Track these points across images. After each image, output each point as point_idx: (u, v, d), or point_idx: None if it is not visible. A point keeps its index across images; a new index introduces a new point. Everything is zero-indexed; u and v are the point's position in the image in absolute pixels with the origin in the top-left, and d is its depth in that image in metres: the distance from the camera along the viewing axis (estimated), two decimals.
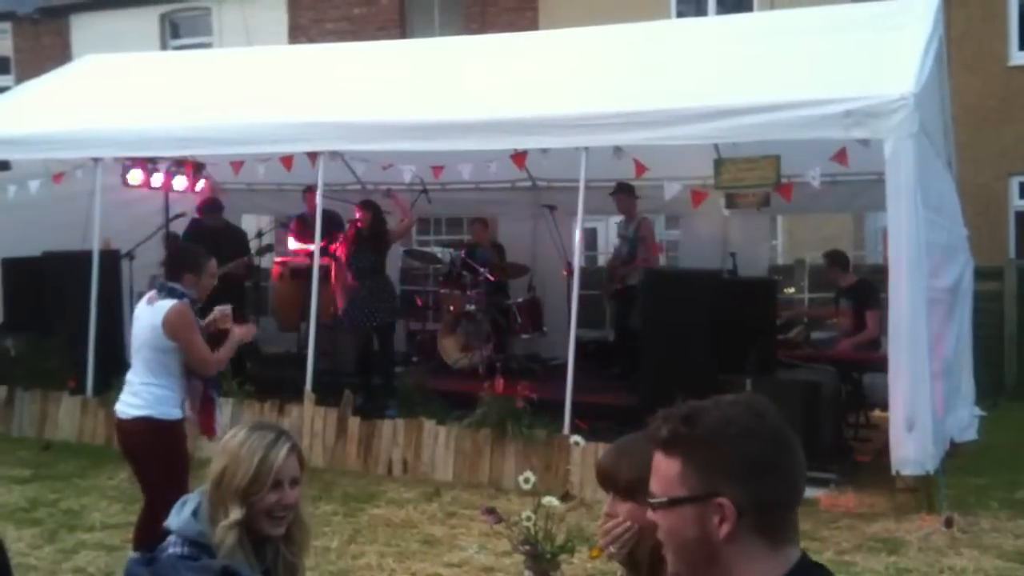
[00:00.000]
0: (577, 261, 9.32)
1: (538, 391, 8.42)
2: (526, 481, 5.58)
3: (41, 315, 10.46)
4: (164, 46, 18.70)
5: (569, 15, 14.64)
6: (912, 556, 6.36)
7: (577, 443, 7.43)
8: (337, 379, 9.72)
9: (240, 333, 5.94)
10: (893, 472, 7.30)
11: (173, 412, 5.59)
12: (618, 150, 8.44)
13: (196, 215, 11.35)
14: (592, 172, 8.58)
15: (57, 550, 6.63)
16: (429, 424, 8.62)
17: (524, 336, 11.56)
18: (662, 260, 15.24)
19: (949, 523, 6.79)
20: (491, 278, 11.27)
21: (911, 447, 7.25)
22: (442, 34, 16.14)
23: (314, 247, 9.60)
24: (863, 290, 10.04)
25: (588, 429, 8.02)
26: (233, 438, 2.89)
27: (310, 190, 10.97)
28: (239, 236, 11.56)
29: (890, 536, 6.73)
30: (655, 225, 14.75)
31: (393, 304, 10.48)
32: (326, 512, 7.41)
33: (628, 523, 2.41)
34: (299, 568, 2.95)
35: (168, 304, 5.50)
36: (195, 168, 11.87)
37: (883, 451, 7.56)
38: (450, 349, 11.34)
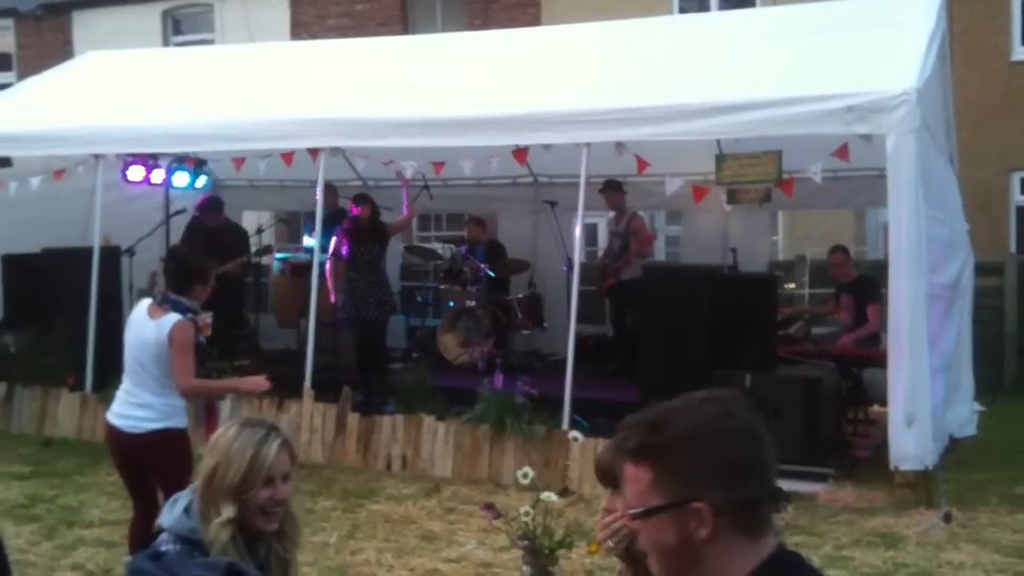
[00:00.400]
0: (577, 257, 9.32)
1: (537, 387, 8.42)
2: (525, 477, 5.58)
3: (41, 312, 10.47)
4: (166, 42, 18.68)
5: (571, 11, 14.63)
6: (911, 551, 6.36)
7: (576, 439, 7.46)
8: (336, 375, 9.72)
9: (247, 384, 5.88)
10: (892, 467, 7.31)
11: (185, 421, 5.60)
12: (619, 146, 8.44)
13: (196, 213, 11.36)
14: (593, 168, 8.58)
15: (56, 546, 6.64)
16: (428, 420, 8.62)
17: (524, 332, 11.56)
18: (663, 255, 15.29)
19: (948, 518, 6.80)
20: (491, 274, 11.27)
21: (910, 442, 7.25)
22: (444, 30, 16.12)
23: (315, 244, 9.60)
24: (864, 285, 10.05)
25: (590, 425, 8.06)
26: (223, 435, 2.88)
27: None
28: (239, 235, 11.55)
29: (889, 531, 6.73)
30: (655, 220, 14.80)
31: (387, 301, 10.45)
32: (325, 508, 7.42)
33: (626, 518, 2.42)
34: (292, 563, 2.95)
35: (174, 319, 5.42)
36: (196, 164, 11.87)
37: (882, 446, 7.56)
38: (450, 345, 11.34)
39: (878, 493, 7.38)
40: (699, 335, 8.41)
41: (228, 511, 2.77)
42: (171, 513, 2.85)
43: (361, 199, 10.25)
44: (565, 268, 10.54)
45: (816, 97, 7.55)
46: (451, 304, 11.69)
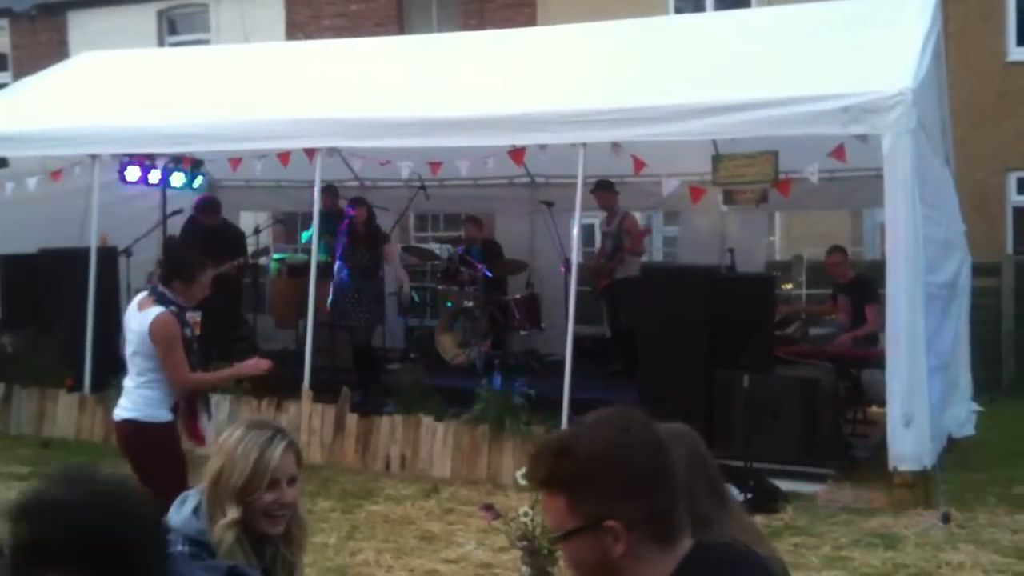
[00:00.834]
0: (575, 257, 9.32)
1: (535, 387, 8.42)
2: (523, 477, 5.58)
3: (38, 312, 10.45)
4: (161, 43, 18.65)
5: (566, 11, 14.62)
6: (909, 551, 6.37)
7: None
8: (335, 376, 9.72)
9: (249, 367, 5.86)
10: (891, 468, 7.32)
11: (160, 414, 5.47)
12: (616, 146, 8.43)
13: (193, 213, 11.35)
14: (590, 168, 8.59)
15: None
16: (427, 420, 8.62)
17: (522, 332, 11.55)
18: (660, 255, 15.30)
19: (946, 518, 6.80)
20: (489, 274, 11.27)
21: (909, 443, 7.26)
22: (440, 30, 16.12)
23: (313, 245, 9.59)
24: (861, 285, 10.05)
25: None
26: (229, 437, 2.87)
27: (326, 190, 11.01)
28: (236, 235, 11.56)
29: (887, 531, 6.74)
30: (652, 221, 14.80)
31: (377, 308, 10.44)
32: (324, 508, 7.41)
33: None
34: (297, 566, 2.94)
35: (155, 313, 5.41)
36: (193, 165, 11.86)
37: (881, 447, 7.57)
38: (448, 345, 11.33)
39: (877, 493, 7.39)
40: (697, 336, 8.42)
41: (232, 513, 2.77)
42: (179, 513, 2.85)
43: (357, 202, 10.25)
44: (563, 269, 10.54)
45: (812, 97, 7.56)
46: (449, 304, 11.68)
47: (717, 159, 8.60)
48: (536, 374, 9.99)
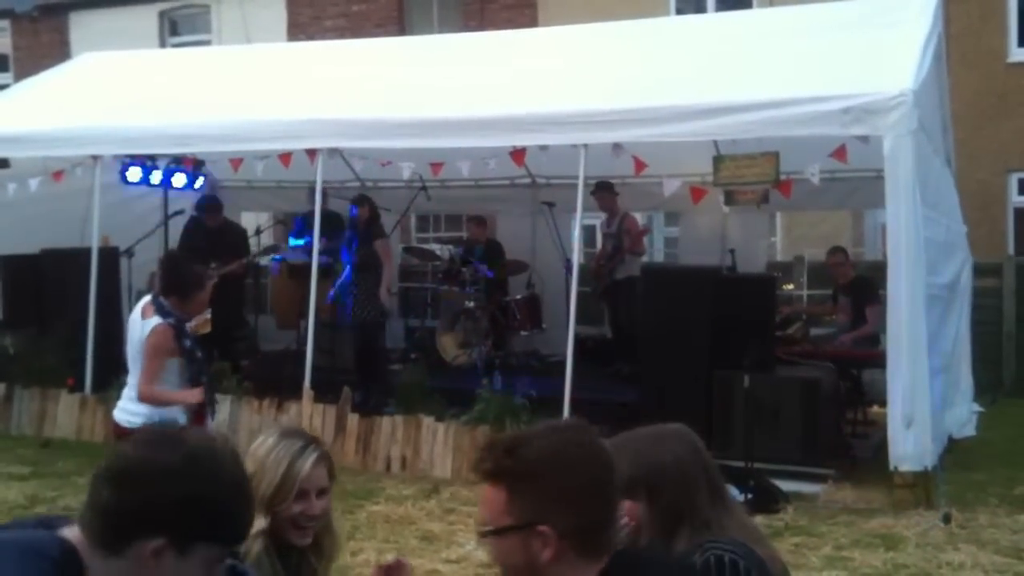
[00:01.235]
0: (576, 258, 9.33)
1: (536, 388, 8.42)
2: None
3: (40, 313, 10.46)
4: (163, 44, 18.67)
5: (568, 12, 14.63)
6: (910, 552, 6.37)
7: None
8: (335, 376, 9.72)
9: (183, 396, 5.74)
10: (891, 468, 7.31)
11: (181, 419, 5.57)
12: (617, 147, 8.43)
13: (195, 213, 11.36)
14: (591, 169, 8.60)
15: None
16: (428, 421, 8.62)
17: (523, 333, 11.56)
18: (661, 256, 15.31)
19: (947, 519, 6.80)
20: (490, 275, 11.27)
21: (909, 443, 7.26)
22: (441, 31, 16.13)
23: (314, 245, 9.60)
24: (862, 286, 10.06)
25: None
26: (261, 445, 2.85)
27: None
28: (238, 235, 11.56)
29: (888, 532, 6.74)
30: (654, 221, 14.80)
31: (380, 304, 10.46)
32: None
33: (625, 520, 2.42)
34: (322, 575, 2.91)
35: (153, 323, 5.47)
36: (194, 165, 11.87)
37: (882, 447, 7.56)
38: (449, 346, 11.33)
39: (877, 494, 7.39)
40: (698, 336, 8.42)
41: (260, 522, 2.73)
42: None
43: (360, 200, 10.27)
44: (564, 269, 10.55)
45: (813, 98, 7.57)
46: (450, 305, 11.68)
47: (718, 160, 8.60)
48: (537, 374, 10.00)
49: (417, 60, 10.52)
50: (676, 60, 9.23)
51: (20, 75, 17.32)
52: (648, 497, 2.41)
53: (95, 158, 10.07)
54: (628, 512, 2.41)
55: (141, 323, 5.52)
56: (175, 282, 5.70)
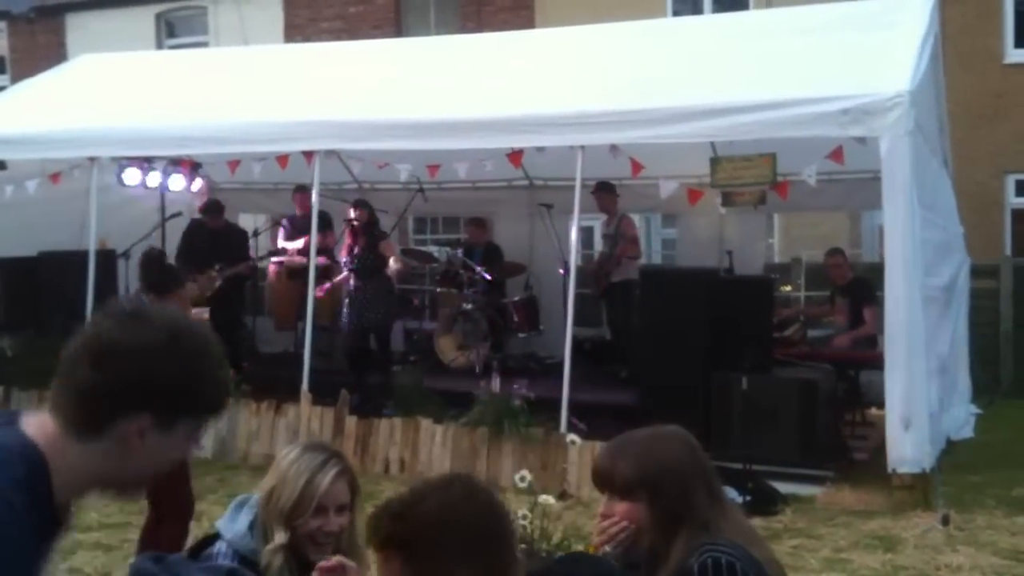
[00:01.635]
0: (574, 259, 9.32)
1: (535, 389, 8.42)
2: (522, 480, 5.59)
3: (37, 315, 10.44)
4: (160, 45, 18.68)
5: (565, 14, 14.64)
6: (908, 553, 6.37)
7: (574, 442, 7.47)
8: (333, 378, 9.72)
9: None
10: (890, 470, 7.32)
11: None
12: (614, 148, 8.43)
13: (198, 214, 11.38)
14: (588, 171, 8.59)
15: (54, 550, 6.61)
16: (426, 423, 8.61)
17: (521, 335, 11.55)
18: (658, 258, 15.30)
19: (945, 520, 6.80)
20: (488, 277, 11.27)
21: (908, 445, 7.26)
22: (438, 33, 16.14)
23: (311, 246, 9.60)
24: (860, 287, 10.06)
25: (586, 428, 8.06)
26: (285, 457, 2.83)
27: (300, 190, 11.09)
28: (239, 237, 11.59)
29: (887, 533, 6.74)
30: (651, 223, 14.81)
31: (392, 304, 10.52)
32: None
33: (624, 523, 2.42)
34: None
35: None
36: (191, 167, 11.86)
37: (880, 449, 7.57)
38: (447, 348, 11.33)
39: (876, 496, 7.39)
40: (695, 338, 8.43)
41: (280, 537, 2.73)
42: (233, 524, 2.80)
43: (359, 204, 10.27)
44: (562, 271, 10.54)
45: (810, 99, 7.57)
46: (448, 307, 11.68)
47: (715, 161, 8.60)
48: (535, 376, 9.99)
49: (414, 62, 10.51)
50: (673, 61, 9.23)
51: (17, 77, 17.30)
52: (647, 499, 2.41)
53: (92, 160, 10.06)
54: (627, 514, 2.41)
55: None
56: (152, 280, 5.72)
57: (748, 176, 8.43)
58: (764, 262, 13.03)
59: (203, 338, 1.78)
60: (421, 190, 10.82)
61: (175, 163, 11.59)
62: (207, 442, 8.69)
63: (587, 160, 8.39)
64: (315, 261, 9.52)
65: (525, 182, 12.15)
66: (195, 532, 5.39)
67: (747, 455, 7.49)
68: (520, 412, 8.22)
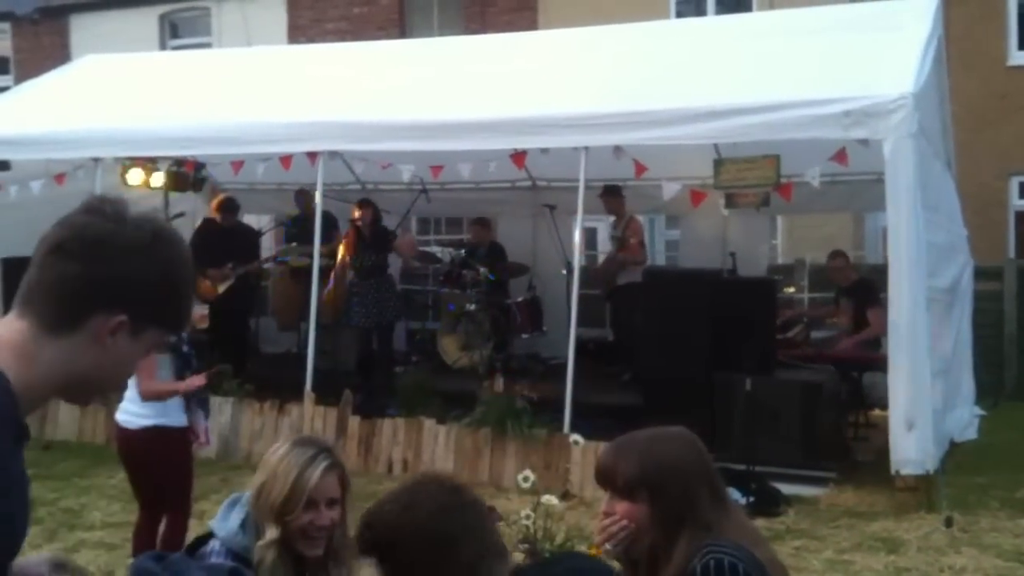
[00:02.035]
0: (577, 260, 9.33)
1: (538, 390, 8.42)
2: (525, 480, 5.60)
3: None
4: (163, 46, 18.69)
5: (568, 15, 14.64)
6: (912, 555, 6.37)
7: (576, 442, 7.47)
8: (337, 378, 9.73)
9: (184, 385, 5.77)
10: (893, 471, 7.31)
11: (180, 419, 5.61)
12: (618, 150, 8.44)
13: (211, 214, 11.45)
14: (592, 172, 8.59)
15: (57, 549, 6.62)
16: (429, 423, 8.62)
17: (524, 335, 11.56)
18: (662, 259, 15.28)
19: (949, 522, 6.80)
20: (491, 277, 11.28)
21: (911, 447, 7.26)
22: (441, 34, 16.14)
23: (315, 248, 9.61)
24: (863, 289, 10.05)
25: (589, 430, 8.06)
26: (275, 452, 2.83)
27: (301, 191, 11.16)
28: (251, 235, 11.66)
29: (890, 535, 6.73)
30: (655, 224, 14.80)
31: (397, 304, 10.55)
32: None
33: (625, 521, 2.42)
34: None
35: None
36: (195, 168, 11.88)
37: (883, 450, 7.56)
38: (450, 348, 11.34)
39: (879, 497, 7.39)
40: (699, 339, 8.43)
41: (271, 532, 2.72)
42: (226, 522, 2.80)
43: (363, 204, 10.28)
44: (565, 272, 10.55)
45: (813, 101, 7.57)
46: (451, 307, 11.69)
47: (719, 163, 8.60)
48: (538, 377, 9.99)
49: (418, 63, 10.52)
50: (676, 63, 9.23)
51: (21, 78, 17.32)
52: (649, 499, 2.41)
53: (96, 160, 10.07)
54: (628, 514, 2.41)
55: None
56: None
57: (751, 178, 8.43)
58: (767, 264, 13.03)
59: (183, 247, 1.76)
60: (424, 191, 10.83)
61: (179, 164, 11.60)
62: (211, 440, 8.70)
63: (590, 161, 8.40)
64: (318, 262, 9.53)
65: (528, 183, 12.16)
66: (197, 531, 5.39)
67: (750, 456, 7.49)
68: (523, 413, 8.23)
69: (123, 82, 11.35)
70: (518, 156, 9.10)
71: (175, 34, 19.21)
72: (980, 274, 11.03)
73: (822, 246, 12.06)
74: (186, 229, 11.55)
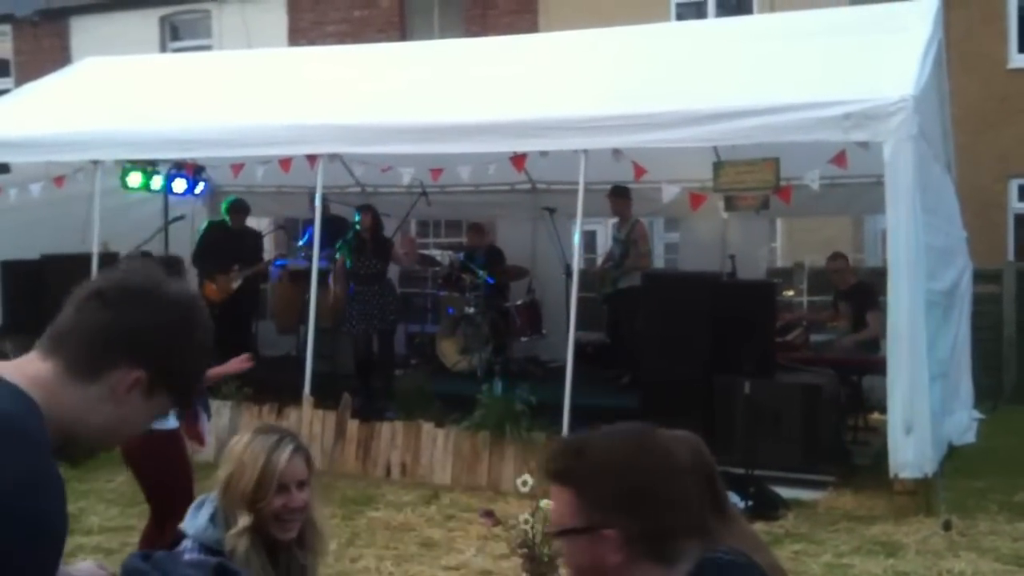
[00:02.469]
0: (576, 264, 9.33)
1: (537, 393, 8.42)
2: (524, 484, 5.59)
3: (40, 318, 10.16)
4: (164, 49, 18.69)
5: (568, 18, 14.64)
6: (910, 559, 6.37)
7: None
8: (336, 382, 9.72)
9: (233, 366, 5.82)
10: (891, 475, 7.31)
11: (168, 422, 5.57)
12: (617, 152, 8.44)
13: (211, 216, 11.47)
14: (591, 174, 8.59)
15: None
16: (428, 427, 8.62)
17: (523, 338, 11.56)
18: (661, 262, 15.26)
19: (947, 526, 6.79)
20: (490, 281, 11.27)
21: (910, 450, 7.26)
22: (442, 37, 16.13)
23: (314, 251, 9.61)
24: (862, 292, 10.05)
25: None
26: (237, 443, 2.87)
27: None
28: (254, 238, 11.70)
29: (888, 539, 6.73)
30: (654, 227, 14.79)
31: (397, 308, 10.55)
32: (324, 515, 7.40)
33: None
34: (311, 571, 2.91)
35: None
36: (195, 171, 11.88)
37: (882, 454, 7.56)
38: (449, 351, 11.34)
39: (878, 501, 7.39)
40: (698, 342, 8.43)
41: (244, 520, 2.75)
42: (195, 520, 2.83)
43: (363, 209, 10.28)
44: (565, 275, 10.54)
45: (813, 104, 7.57)
46: (450, 310, 11.69)
47: (718, 165, 8.60)
48: (537, 380, 9.99)
49: (418, 65, 10.51)
50: (676, 65, 9.23)
51: (21, 80, 17.32)
52: None
53: (96, 163, 10.07)
54: None
55: None
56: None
57: (751, 180, 8.43)
58: (767, 266, 13.03)
59: (210, 327, 1.81)
60: (424, 193, 10.82)
61: (179, 166, 11.60)
62: (209, 444, 8.69)
63: (590, 164, 8.40)
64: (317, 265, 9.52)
65: (528, 186, 12.16)
66: None
67: (749, 459, 7.48)
68: (522, 416, 8.23)
69: (123, 84, 11.35)
70: (518, 159, 9.10)
71: (175, 36, 19.22)
72: (979, 277, 11.03)
73: (821, 249, 12.06)
74: (185, 233, 11.57)
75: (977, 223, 11.93)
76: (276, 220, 13.53)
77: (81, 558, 1.95)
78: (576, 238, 9.32)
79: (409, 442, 8.65)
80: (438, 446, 8.55)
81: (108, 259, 10.30)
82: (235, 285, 10.81)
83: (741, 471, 7.37)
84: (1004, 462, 8.75)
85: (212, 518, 2.81)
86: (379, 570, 6.29)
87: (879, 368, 8.13)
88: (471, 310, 11.17)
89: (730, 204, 9.30)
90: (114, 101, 10.83)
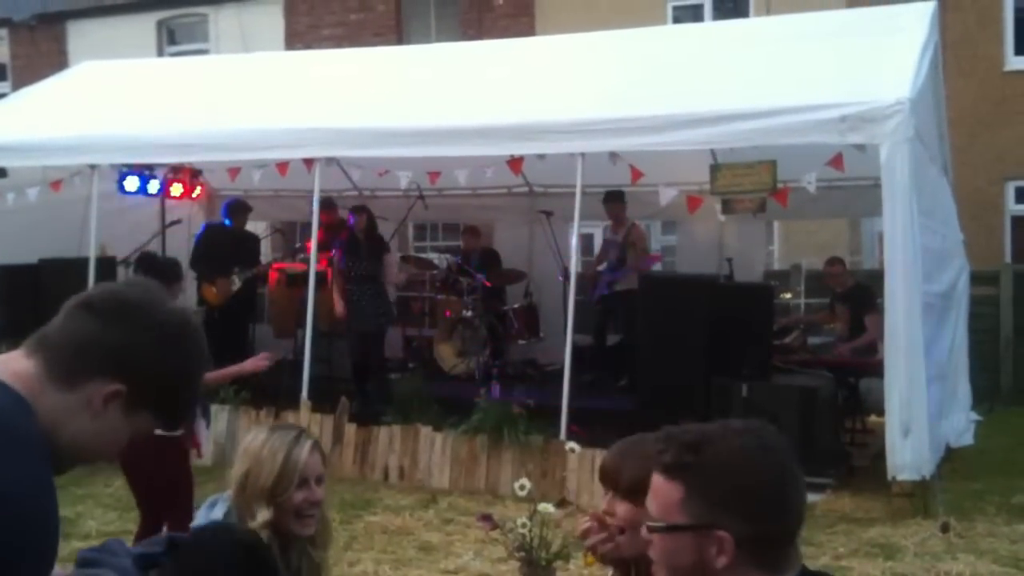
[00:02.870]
0: (574, 267, 9.32)
1: (534, 397, 8.41)
2: (522, 488, 5.56)
3: (37, 322, 10.10)
4: (161, 53, 18.68)
5: (565, 21, 14.64)
6: (908, 561, 6.36)
7: (573, 449, 7.44)
8: (333, 385, 9.71)
9: (251, 365, 5.85)
10: (889, 477, 7.31)
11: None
12: (614, 156, 8.44)
13: (212, 221, 11.45)
14: (588, 178, 8.59)
15: None
16: (425, 430, 8.61)
17: (521, 342, 11.55)
18: (658, 265, 15.27)
19: (945, 528, 6.80)
20: (487, 284, 11.27)
21: (907, 452, 7.26)
22: (438, 40, 16.13)
23: (312, 254, 9.60)
24: (860, 294, 10.06)
25: (585, 436, 8.04)
26: (253, 440, 2.87)
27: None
28: (252, 241, 11.70)
29: (886, 541, 6.73)
30: (651, 230, 14.79)
31: (384, 312, 10.50)
32: None
33: (604, 535, 2.42)
34: (325, 568, 2.93)
35: None
36: (192, 175, 11.87)
37: (880, 456, 7.56)
38: (446, 355, 11.33)
39: (876, 503, 7.39)
40: (696, 344, 8.43)
41: (264, 514, 2.75)
42: (208, 519, 2.83)
43: (358, 210, 10.28)
44: (561, 278, 10.53)
45: (810, 107, 7.58)
46: (448, 314, 11.68)
47: (715, 168, 8.60)
48: (535, 383, 9.98)
49: (415, 69, 10.52)
50: (673, 69, 9.24)
51: (18, 84, 17.31)
52: None
53: (93, 167, 10.06)
54: (628, 515, 2.40)
55: None
56: (157, 268, 5.73)
57: (748, 183, 8.43)
58: (764, 269, 13.03)
59: (205, 350, 1.77)
60: (421, 197, 10.83)
61: (175, 170, 11.58)
62: (207, 449, 8.69)
63: (587, 167, 8.40)
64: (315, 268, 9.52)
65: (525, 189, 12.16)
66: None
67: None
68: (519, 419, 8.22)
69: (120, 89, 11.35)
70: (515, 162, 9.10)
71: (172, 41, 19.21)
72: (976, 279, 11.04)
73: (818, 251, 12.08)
74: (182, 236, 11.56)
75: (974, 225, 11.95)
76: (273, 224, 13.53)
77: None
78: (574, 241, 9.32)
79: (407, 446, 8.64)
80: (436, 450, 8.55)
81: (105, 263, 10.33)
82: (234, 288, 10.80)
83: None
84: (1001, 464, 8.76)
85: (226, 516, 2.81)
86: (377, 574, 6.28)
87: (877, 370, 8.13)
88: (468, 313, 11.17)
89: (727, 207, 9.30)
90: (111, 105, 10.83)
